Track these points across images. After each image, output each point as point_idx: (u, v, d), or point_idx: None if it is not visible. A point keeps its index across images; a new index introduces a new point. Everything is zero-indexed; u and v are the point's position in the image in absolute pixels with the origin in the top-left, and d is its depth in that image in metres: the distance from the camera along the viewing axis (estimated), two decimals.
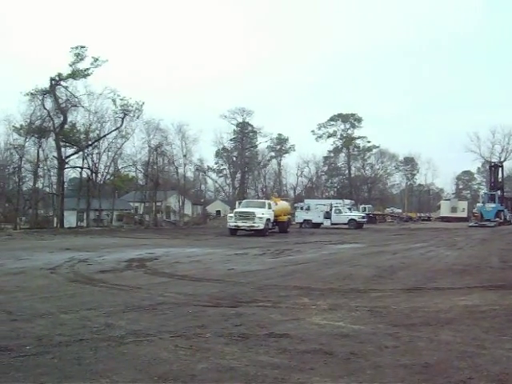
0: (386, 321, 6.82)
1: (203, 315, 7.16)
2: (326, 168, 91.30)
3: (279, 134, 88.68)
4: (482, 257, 16.84)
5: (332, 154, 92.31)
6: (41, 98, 46.50)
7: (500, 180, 58.75)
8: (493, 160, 69.69)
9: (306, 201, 57.76)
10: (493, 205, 53.86)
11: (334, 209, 48.44)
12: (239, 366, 4.84)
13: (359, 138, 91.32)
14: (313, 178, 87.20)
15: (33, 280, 11.08)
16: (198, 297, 8.70)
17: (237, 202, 38.91)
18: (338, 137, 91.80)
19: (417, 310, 7.57)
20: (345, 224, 45.89)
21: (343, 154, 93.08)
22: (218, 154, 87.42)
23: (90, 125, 49.73)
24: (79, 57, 46.93)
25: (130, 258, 15.81)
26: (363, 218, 48.75)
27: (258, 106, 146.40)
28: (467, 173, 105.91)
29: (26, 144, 47.27)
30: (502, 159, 71.20)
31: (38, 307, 7.80)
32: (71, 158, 49.91)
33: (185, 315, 7.20)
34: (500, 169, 59.95)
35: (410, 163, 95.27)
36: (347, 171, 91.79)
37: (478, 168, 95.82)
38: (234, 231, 32.72)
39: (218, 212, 75.49)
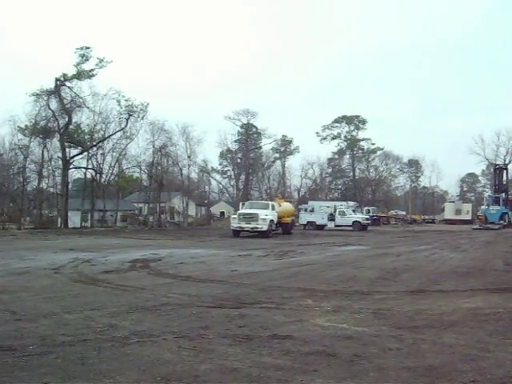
0: (390, 323, 6.80)
1: (207, 316, 7.17)
2: (330, 170, 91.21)
3: (283, 136, 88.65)
4: (486, 259, 16.80)
5: (336, 156, 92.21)
6: (46, 98, 46.75)
7: (504, 182, 58.48)
8: (497, 162, 69.36)
9: (310, 202, 57.74)
10: (497, 207, 53.73)
11: (338, 211, 48.45)
12: (242, 368, 4.84)
13: (363, 139, 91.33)
14: (317, 180, 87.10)
15: (37, 280, 11.11)
16: (202, 298, 8.71)
17: (240, 204, 38.86)
18: (343, 139, 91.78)
19: (420, 312, 7.55)
20: (349, 226, 45.84)
21: (347, 156, 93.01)
22: (222, 156, 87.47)
23: (95, 125, 50.01)
24: (84, 57, 47.20)
25: (133, 259, 15.83)
26: (367, 220, 48.67)
27: (262, 108, 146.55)
28: (472, 175, 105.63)
29: (31, 144, 47.64)
30: (507, 162, 70.77)
31: (42, 307, 7.82)
32: (76, 158, 50.21)
33: (188, 316, 7.20)
34: (504, 171, 59.68)
35: (414, 165, 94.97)
36: (351, 173, 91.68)
37: (483, 170, 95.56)
38: (238, 232, 32.71)
39: (222, 213, 75.52)
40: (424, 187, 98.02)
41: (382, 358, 5.16)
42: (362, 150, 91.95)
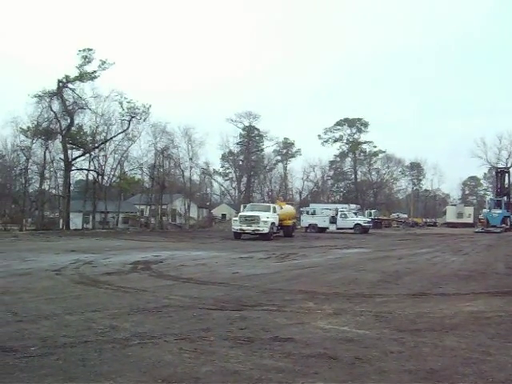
0: (391, 326, 6.79)
1: (208, 318, 7.16)
2: (331, 172, 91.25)
3: (285, 138, 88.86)
4: (488, 263, 16.77)
5: (338, 159, 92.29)
6: (48, 100, 46.88)
7: (506, 186, 58.52)
8: (499, 166, 69.48)
9: (312, 205, 57.75)
10: (499, 211, 53.72)
11: (339, 213, 48.42)
12: (243, 370, 4.83)
13: (365, 142, 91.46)
14: (319, 183, 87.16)
15: (38, 281, 11.11)
16: (203, 300, 8.70)
17: (241, 206, 38.82)
18: (344, 141, 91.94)
19: (422, 315, 7.54)
20: (350, 229, 45.83)
21: (349, 159, 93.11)
22: (224, 158, 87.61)
23: (97, 127, 50.12)
24: (86, 59, 47.32)
25: (135, 261, 15.83)
26: (369, 222, 48.67)
27: (264, 110, 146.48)
28: (473, 178, 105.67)
29: (33, 146, 47.71)
30: (509, 165, 70.79)
31: (43, 308, 7.82)
32: (78, 160, 50.30)
33: (190, 318, 7.20)
34: (506, 175, 59.71)
35: (416, 168, 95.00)
36: (353, 176, 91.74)
37: (485, 174, 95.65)
38: (239, 235, 32.64)
39: (224, 215, 75.53)
40: (426, 190, 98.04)
41: (383, 361, 5.15)
42: (364, 152, 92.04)
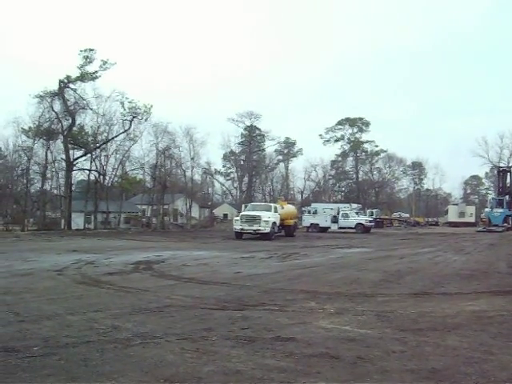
0: (393, 325, 6.79)
1: (210, 318, 7.16)
2: (333, 172, 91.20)
3: (287, 138, 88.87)
4: (490, 262, 16.75)
5: (340, 158, 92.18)
6: (49, 100, 46.93)
7: (508, 185, 58.40)
8: (501, 165, 69.37)
9: (313, 205, 57.67)
10: (501, 210, 53.68)
11: (341, 213, 48.41)
12: (245, 370, 4.83)
13: (367, 142, 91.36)
14: (320, 182, 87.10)
15: (40, 281, 11.12)
16: (205, 300, 8.70)
17: (243, 206, 38.80)
18: (346, 141, 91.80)
19: (424, 314, 7.53)
20: (352, 228, 45.84)
21: (351, 158, 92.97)
22: (225, 158, 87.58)
23: (98, 127, 50.15)
24: (88, 59, 47.33)
25: (137, 261, 15.84)
26: (370, 222, 48.65)
27: (265, 110, 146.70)
28: (475, 177, 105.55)
29: (35, 146, 47.78)
30: (511, 164, 70.74)
31: (45, 308, 7.82)
32: (79, 160, 50.35)
33: (191, 318, 7.20)
34: (508, 174, 59.59)
35: (417, 168, 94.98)
36: (355, 175, 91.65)
37: (486, 173, 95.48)
38: (240, 235, 32.65)
39: (225, 215, 75.53)
40: (427, 189, 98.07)
41: (385, 361, 5.15)
42: (366, 152, 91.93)
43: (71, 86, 47.69)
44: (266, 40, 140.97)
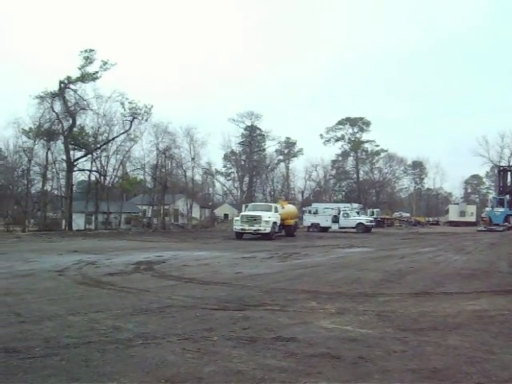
0: (394, 325, 6.79)
1: (211, 318, 7.16)
2: (334, 172, 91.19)
3: (287, 138, 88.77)
4: (491, 261, 16.75)
5: (340, 158, 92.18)
6: (50, 100, 46.84)
7: (509, 184, 58.42)
8: (502, 164, 69.27)
9: (314, 204, 57.70)
10: (501, 209, 53.69)
11: (341, 213, 48.39)
12: (246, 370, 4.83)
13: (367, 141, 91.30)
14: (321, 182, 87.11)
15: (41, 282, 11.12)
16: (206, 300, 8.70)
17: (243, 206, 38.80)
18: (346, 140, 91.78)
19: (425, 314, 7.53)
20: (353, 228, 45.83)
21: (351, 158, 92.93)
22: (226, 158, 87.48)
23: (99, 128, 50.08)
24: (88, 60, 47.24)
25: (137, 261, 15.84)
26: (371, 221, 48.63)
27: (266, 110, 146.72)
28: (476, 177, 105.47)
29: (35, 147, 47.69)
30: (511, 163, 70.68)
31: (46, 309, 7.83)
32: (80, 160, 50.26)
33: (192, 318, 7.20)
34: (509, 173, 59.59)
35: (418, 167, 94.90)
36: (355, 175, 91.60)
37: (487, 172, 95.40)
38: (240, 235, 32.63)
39: (226, 215, 75.45)
40: (428, 189, 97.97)
41: (386, 361, 5.15)
42: (366, 151, 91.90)
43: (72, 86, 47.64)
44: (266, 40, 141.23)
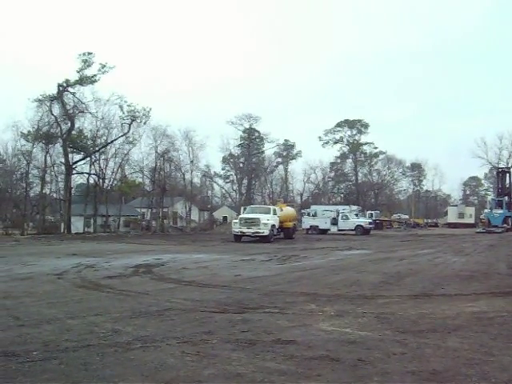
0: (393, 327, 6.79)
1: (210, 321, 7.16)
2: (332, 174, 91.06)
3: (286, 140, 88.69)
4: (490, 263, 16.77)
5: (339, 160, 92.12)
6: (48, 104, 46.89)
7: (507, 186, 58.52)
8: (500, 166, 69.40)
9: (313, 207, 57.71)
10: (500, 211, 53.80)
11: (340, 215, 48.39)
12: (246, 372, 4.83)
13: (366, 143, 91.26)
14: (319, 184, 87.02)
15: (40, 285, 11.10)
16: (205, 303, 8.70)
17: (242, 208, 38.79)
18: (345, 143, 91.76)
19: (424, 316, 7.54)
20: (352, 230, 45.82)
21: (350, 160, 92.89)
22: (224, 160, 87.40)
23: (98, 131, 50.12)
24: (87, 63, 47.31)
25: (136, 264, 15.82)
26: (370, 224, 48.65)
27: (264, 112, 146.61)
28: (474, 179, 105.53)
29: (34, 150, 47.77)
30: (510, 165, 70.64)
31: (45, 313, 7.82)
32: (78, 163, 50.30)
33: (192, 321, 7.20)
34: (507, 174, 59.72)
35: (416, 169, 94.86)
36: (354, 177, 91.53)
37: (486, 174, 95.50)
38: (239, 237, 32.56)
39: (225, 218, 75.40)
40: (427, 191, 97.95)
41: (385, 363, 5.15)
42: (365, 153, 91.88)
43: (70, 89, 47.71)
44: (264, 42, 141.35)
